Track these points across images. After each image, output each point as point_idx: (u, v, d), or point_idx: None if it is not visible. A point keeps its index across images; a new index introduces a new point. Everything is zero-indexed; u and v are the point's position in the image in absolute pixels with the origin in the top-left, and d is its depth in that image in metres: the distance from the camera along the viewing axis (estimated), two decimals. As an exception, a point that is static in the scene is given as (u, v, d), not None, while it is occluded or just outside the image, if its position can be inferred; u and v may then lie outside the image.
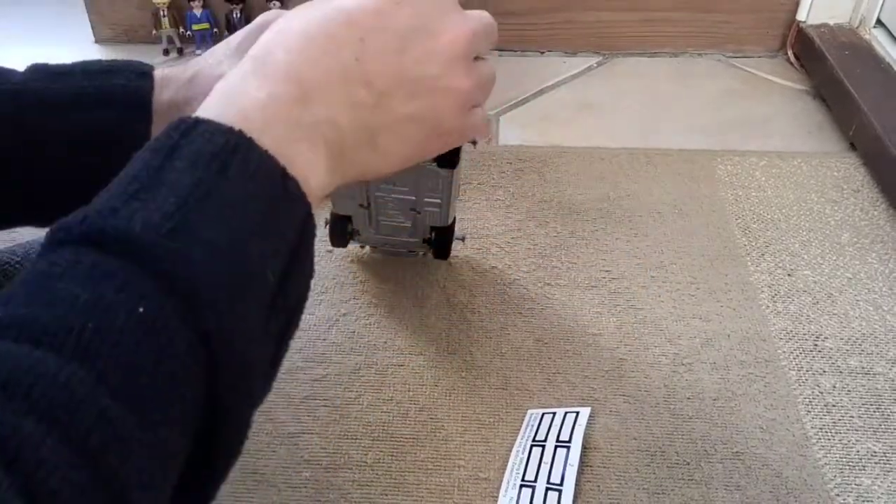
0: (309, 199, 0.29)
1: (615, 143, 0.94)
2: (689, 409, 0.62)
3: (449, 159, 0.60)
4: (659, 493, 0.56)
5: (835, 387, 0.63)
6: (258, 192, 0.27)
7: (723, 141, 0.95)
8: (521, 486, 0.55)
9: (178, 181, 0.26)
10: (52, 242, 0.25)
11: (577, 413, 0.60)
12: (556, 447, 0.57)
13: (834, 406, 0.62)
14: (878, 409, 0.61)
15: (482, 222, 0.81)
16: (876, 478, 0.57)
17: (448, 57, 0.34)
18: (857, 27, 1.05)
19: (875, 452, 0.58)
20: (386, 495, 0.56)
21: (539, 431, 0.59)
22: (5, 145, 0.42)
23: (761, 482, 0.56)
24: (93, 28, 1.21)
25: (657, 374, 0.65)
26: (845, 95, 0.92)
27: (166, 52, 1.17)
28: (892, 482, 0.56)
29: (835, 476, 0.57)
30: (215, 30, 1.16)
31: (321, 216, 0.69)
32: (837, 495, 0.56)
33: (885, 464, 0.58)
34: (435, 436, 0.60)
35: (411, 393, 0.64)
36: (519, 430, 0.60)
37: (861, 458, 0.58)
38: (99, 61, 0.46)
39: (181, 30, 1.16)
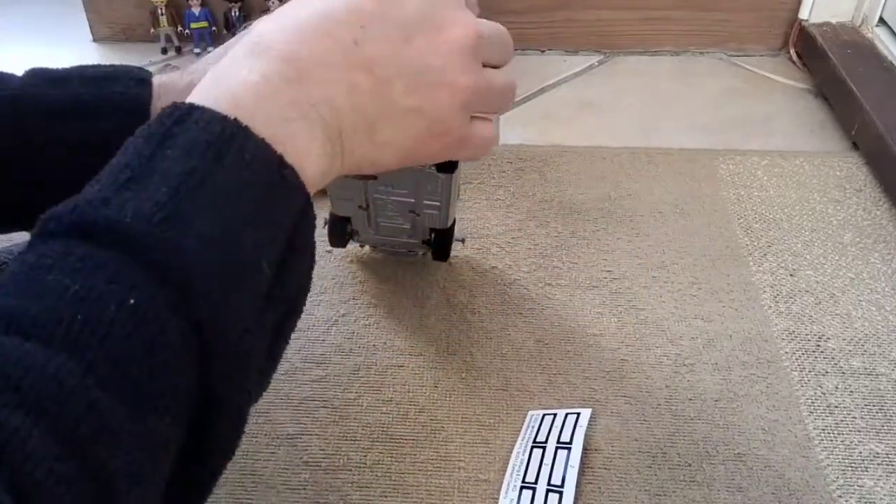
0: (307, 186, 0.29)
1: (616, 143, 0.94)
2: (691, 410, 0.61)
3: (447, 163, 0.60)
4: (660, 495, 0.55)
5: (837, 388, 0.63)
6: (253, 181, 0.27)
7: (724, 140, 0.95)
8: (522, 487, 0.55)
9: (171, 170, 0.26)
10: (41, 233, 0.25)
11: (578, 414, 0.59)
12: (556, 448, 0.57)
13: (836, 407, 0.61)
14: (880, 410, 0.61)
15: (482, 222, 0.81)
16: (879, 479, 0.56)
17: (450, 51, 0.33)
18: (859, 26, 1.05)
19: (878, 454, 0.58)
20: (385, 497, 0.56)
21: (540, 433, 0.58)
22: (3, 151, 0.42)
23: (763, 483, 0.56)
24: (91, 27, 1.20)
25: (659, 375, 0.64)
26: (847, 94, 0.92)
27: (164, 51, 1.17)
28: (894, 483, 0.56)
29: (837, 477, 0.56)
30: (214, 28, 1.15)
31: (320, 216, 0.69)
32: (840, 497, 0.55)
33: (887, 465, 0.57)
34: (435, 437, 0.60)
35: (411, 394, 0.63)
36: (519, 431, 0.60)
37: (864, 460, 0.58)
38: (97, 66, 0.45)
39: (179, 28, 1.16)
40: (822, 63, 1.00)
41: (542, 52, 1.16)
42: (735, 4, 1.09)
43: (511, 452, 0.58)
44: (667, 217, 0.81)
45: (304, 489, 0.56)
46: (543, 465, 0.56)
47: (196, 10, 1.13)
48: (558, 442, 0.57)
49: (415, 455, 0.59)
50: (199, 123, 0.27)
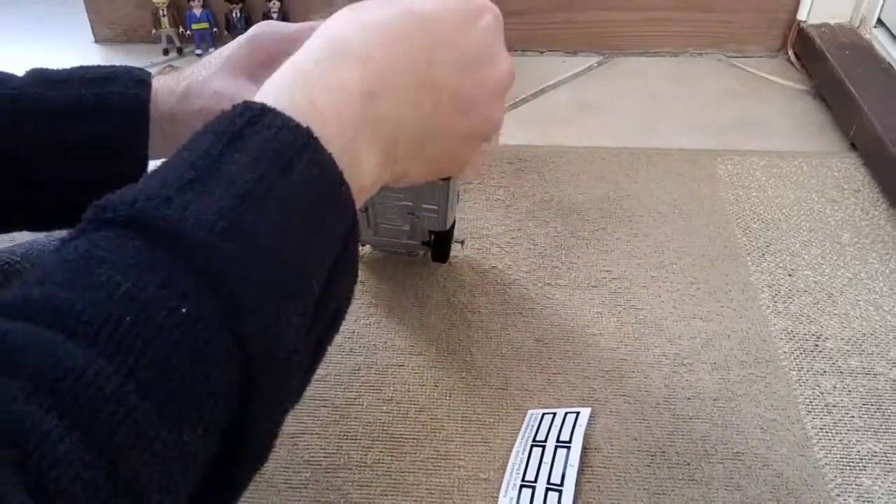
0: (356, 201, 0.29)
1: (616, 143, 0.94)
2: (690, 410, 0.62)
3: None
4: (659, 494, 0.56)
5: (835, 387, 0.63)
6: (316, 198, 0.26)
7: (723, 141, 0.95)
8: (522, 486, 0.55)
9: (238, 175, 0.25)
10: (95, 220, 0.24)
11: (578, 413, 0.60)
12: (556, 447, 0.57)
13: (834, 406, 0.62)
14: (878, 409, 0.61)
15: (482, 222, 0.81)
16: (877, 478, 0.57)
17: (496, 88, 0.35)
18: (857, 27, 1.05)
19: (875, 453, 0.58)
20: (386, 496, 0.56)
21: (539, 432, 0.59)
22: (3, 151, 0.42)
23: (762, 482, 0.56)
24: (92, 28, 1.21)
25: (657, 375, 0.65)
26: (846, 95, 0.92)
27: (166, 52, 1.17)
28: (892, 482, 0.56)
29: (835, 476, 0.57)
30: (215, 29, 1.16)
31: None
32: (838, 495, 0.55)
33: (885, 464, 0.57)
34: (435, 436, 0.60)
35: (411, 393, 0.63)
36: (519, 430, 0.60)
37: (862, 459, 0.58)
38: (97, 67, 0.45)
39: (181, 29, 1.16)
40: (821, 64, 1.00)
41: (542, 52, 1.16)
42: (734, 6, 1.10)
43: (511, 451, 0.58)
44: (666, 217, 0.81)
45: (305, 488, 0.57)
46: (543, 464, 0.56)
47: (197, 12, 1.14)
48: (558, 441, 0.57)
49: (415, 454, 0.59)
50: (272, 129, 0.26)
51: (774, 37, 1.12)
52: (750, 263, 0.76)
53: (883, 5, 1.01)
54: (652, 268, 0.75)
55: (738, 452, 0.58)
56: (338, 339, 0.69)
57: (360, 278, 0.74)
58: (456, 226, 0.71)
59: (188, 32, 1.15)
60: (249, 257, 0.24)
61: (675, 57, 1.14)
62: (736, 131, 0.97)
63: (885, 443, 0.59)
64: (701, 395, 0.63)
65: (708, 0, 1.09)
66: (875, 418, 0.61)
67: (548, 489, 0.55)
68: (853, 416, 0.61)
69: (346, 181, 0.28)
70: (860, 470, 0.57)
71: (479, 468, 0.58)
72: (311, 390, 0.64)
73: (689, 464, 0.58)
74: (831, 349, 0.67)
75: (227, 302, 0.23)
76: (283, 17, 1.13)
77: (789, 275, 0.74)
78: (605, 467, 0.57)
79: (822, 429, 0.60)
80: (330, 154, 0.27)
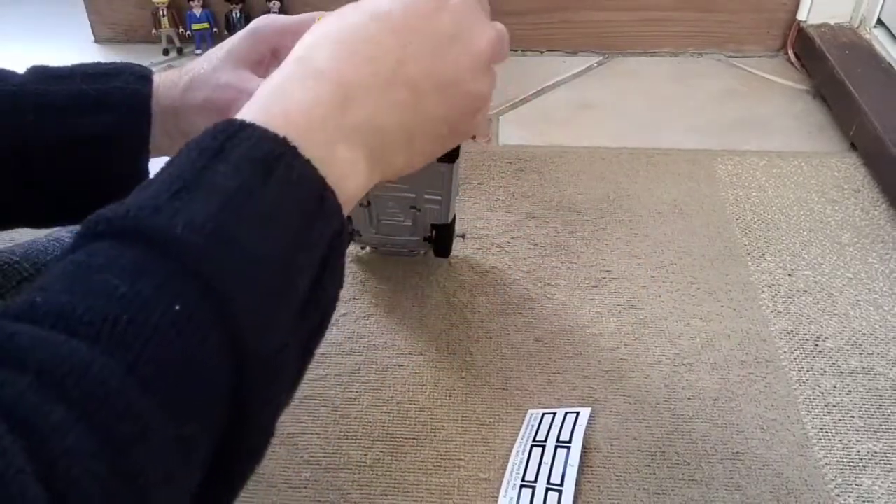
0: (343, 206, 0.30)
1: (615, 143, 0.94)
2: (690, 410, 0.62)
3: (448, 154, 0.60)
4: (659, 494, 0.56)
5: (835, 387, 0.63)
6: (297, 201, 0.28)
7: (723, 141, 0.95)
8: (522, 486, 0.55)
9: (222, 184, 0.26)
10: (89, 233, 0.25)
11: (578, 413, 0.60)
12: (556, 447, 0.57)
13: (834, 406, 0.62)
14: (878, 409, 0.61)
15: (482, 222, 0.81)
16: (877, 478, 0.57)
17: (478, 62, 0.35)
18: (857, 27, 1.05)
19: (875, 452, 0.58)
20: (386, 496, 0.56)
21: (539, 432, 0.59)
22: (4, 146, 0.42)
23: (762, 482, 0.56)
24: (92, 28, 1.21)
25: (657, 375, 0.65)
26: (846, 95, 0.92)
27: (166, 52, 1.17)
28: (892, 482, 0.56)
29: (835, 476, 0.57)
30: (215, 29, 1.16)
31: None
32: (838, 495, 0.55)
33: (885, 464, 0.57)
34: (435, 436, 0.60)
35: (411, 393, 0.63)
36: (519, 430, 0.60)
37: (861, 459, 0.58)
38: (98, 64, 0.46)
39: (181, 29, 1.16)
40: (821, 64, 1.01)
41: (542, 53, 1.16)
42: (734, 6, 1.10)
43: (511, 451, 0.58)
44: (666, 217, 0.81)
45: (305, 488, 0.57)
46: (543, 464, 0.56)
47: (197, 12, 1.14)
48: (558, 441, 0.57)
49: (415, 454, 0.59)
50: (251, 140, 0.28)
51: (774, 37, 1.12)
52: (750, 263, 0.76)
53: (883, 5, 1.01)
54: (652, 268, 0.75)
55: (738, 452, 0.58)
56: (338, 338, 0.70)
57: (360, 278, 0.74)
58: (456, 222, 0.71)
59: (188, 32, 1.15)
60: (235, 257, 0.25)
61: (674, 57, 1.14)
62: (736, 131, 0.97)
63: (885, 443, 0.59)
64: (701, 395, 0.63)
65: (708, 0, 1.09)
66: (875, 418, 0.61)
67: (548, 489, 0.55)
68: (853, 416, 0.61)
69: (329, 187, 0.29)
70: (860, 470, 0.57)
71: (479, 468, 0.58)
72: (311, 390, 0.64)
73: (689, 464, 0.58)
74: (831, 349, 0.67)
75: (216, 299, 0.24)
76: (283, 17, 1.13)
77: (789, 275, 0.74)
78: (605, 467, 0.58)
79: (822, 429, 0.60)
80: (309, 160, 0.28)
